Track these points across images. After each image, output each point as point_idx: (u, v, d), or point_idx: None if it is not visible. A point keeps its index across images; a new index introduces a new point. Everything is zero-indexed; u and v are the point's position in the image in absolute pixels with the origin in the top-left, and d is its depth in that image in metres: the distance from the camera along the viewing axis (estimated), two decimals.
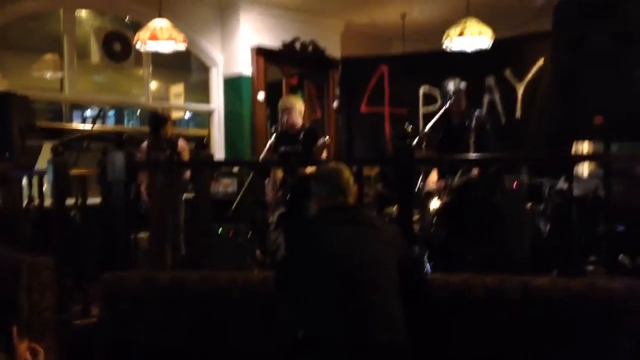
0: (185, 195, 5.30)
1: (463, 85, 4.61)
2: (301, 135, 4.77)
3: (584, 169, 5.68)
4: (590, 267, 3.93)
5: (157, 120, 5.39)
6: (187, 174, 5.15)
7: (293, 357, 2.20)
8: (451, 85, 4.55)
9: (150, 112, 5.71)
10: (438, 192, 4.58)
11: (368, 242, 2.30)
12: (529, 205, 5.12)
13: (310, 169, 4.44)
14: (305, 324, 2.20)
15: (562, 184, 4.96)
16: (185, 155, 5.29)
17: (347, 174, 2.49)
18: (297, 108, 4.83)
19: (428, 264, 4.56)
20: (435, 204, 4.63)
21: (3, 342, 1.45)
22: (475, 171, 4.22)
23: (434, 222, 4.63)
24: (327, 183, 2.46)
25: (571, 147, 5.36)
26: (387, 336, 2.15)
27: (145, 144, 5.44)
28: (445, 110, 4.60)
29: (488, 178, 4.19)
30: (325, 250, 2.27)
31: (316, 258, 2.27)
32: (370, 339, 2.12)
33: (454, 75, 4.74)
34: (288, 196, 4.67)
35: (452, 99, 4.53)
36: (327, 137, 4.48)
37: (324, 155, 4.77)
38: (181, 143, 5.40)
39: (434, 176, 5.71)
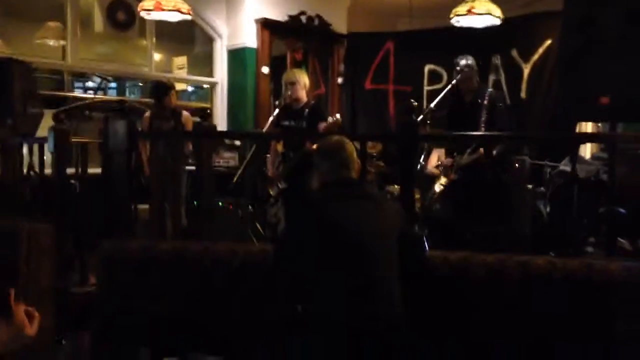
0: (186, 168, 5.28)
1: (474, 62, 4.55)
2: (306, 112, 4.72)
3: (585, 151, 5.67)
4: (590, 249, 3.93)
5: (161, 88, 5.32)
6: (189, 146, 5.11)
7: (290, 331, 2.20)
8: (463, 62, 4.50)
9: (155, 81, 5.62)
10: (445, 170, 4.56)
11: (369, 217, 2.30)
12: (530, 186, 5.12)
13: (316, 145, 4.41)
14: (305, 298, 2.20)
15: (564, 166, 4.94)
16: (189, 127, 5.24)
17: (350, 148, 2.47)
18: (302, 82, 4.78)
19: (426, 243, 4.57)
20: (441, 181, 4.62)
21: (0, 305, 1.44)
22: (482, 150, 4.19)
23: (437, 198, 4.62)
24: (330, 157, 2.44)
25: (575, 129, 5.34)
26: (386, 311, 2.16)
27: (148, 113, 5.39)
28: (456, 87, 4.55)
29: (498, 157, 4.19)
30: (326, 225, 2.26)
31: (317, 232, 2.26)
32: (369, 313, 2.13)
33: (461, 53, 4.69)
34: (289, 171, 4.65)
35: (462, 75, 4.48)
36: (338, 115, 4.39)
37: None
38: (185, 114, 5.35)
39: (434, 158, 5.70)
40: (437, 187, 4.66)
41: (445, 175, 4.59)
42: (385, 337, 2.13)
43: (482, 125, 4.29)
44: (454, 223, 4.32)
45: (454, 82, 4.60)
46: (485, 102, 4.37)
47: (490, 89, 4.57)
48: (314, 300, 2.18)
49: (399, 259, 2.26)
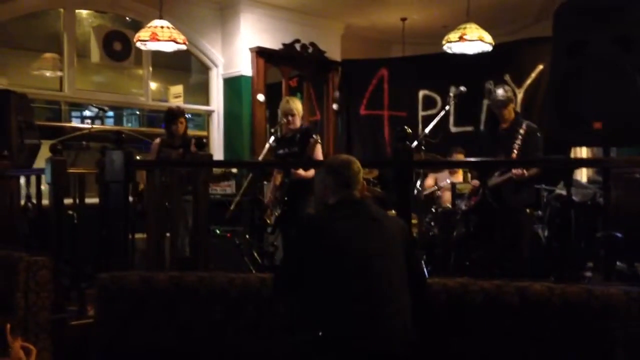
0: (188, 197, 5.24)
1: (510, 91, 4.60)
2: (297, 137, 4.76)
3: (582, 175, 5.70)
4: (588, 274, 3.93)
5: (171, 115, 5.29)
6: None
7: (311, 357, 2.18)
8: (500, 92, 4.51)
9: (168, 108, 5.60)
10: (472, 192, 4.55)
11: (377, 236, 2.29)
12: (528, 210, 5.13)
13: (303, 172, 4.43)
14: (321, 322, 2.18)
15: (560, 190, 4.97)
16: None
17: (357, 166, 2.47)
18: (300, 112, 4.84)
19: (425, 268, 4.57)
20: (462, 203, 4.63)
21: None
22: (516, 171, 4.17)
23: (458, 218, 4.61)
24: (337, 174, 2.43)
25: (569, 153, 5.37)
26: (401, 329, 2.17)
27: (158, 140, 5.37)
28: (492, 115, 4.58)
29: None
30: (335, 246, 2.25)
31: (326, 254, 2.24)
32: (386, 332, 2.14)
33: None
34: (284, 197, 4.66)
35: (501, 104, 4.50)
36: (316, 135, 4.49)
37: (319, 153, 4.73)
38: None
39: (430, 180, 5.72)
40: (463, 205, 4.65)
41: (472, 195, 4.57)
42: (401, 354, 2.14)
43: (515, 151, 4.28)
44: (471, 245, 4.30)
45: (447, 107, 4.63)
46: (522, 131, 4.36)
47: (527, 121, 4.58)
48: (330, 323, 2.16)
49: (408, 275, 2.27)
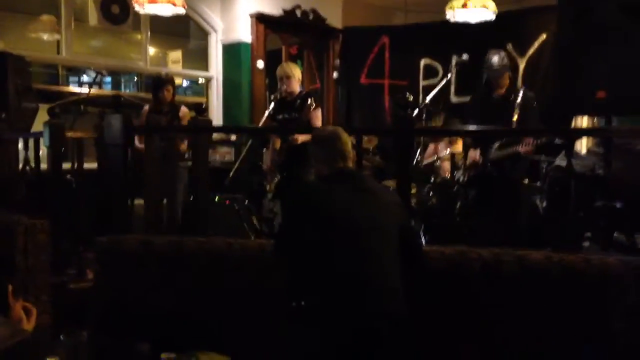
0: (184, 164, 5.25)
1: (507, 57, 4.48)
2: (297, 102, 4.74)
3: (582, 145, 5.68)
4: (586, 244, 3.95)
5: (158, 82, 5.29)
6: (185, 143, 5.07)
7: (292, 324, 2.19)
8: (496, 59, 4.38)
9: (154, 75, 5.59)
10: (471, 165, 4.46)
11: (370, 209, 2.28)
12: (526, 181, 5.13)
13: (302, 137, 4.41)
14: (306, 292, 2.19)
15: (560, 161, 4.95)
16: (186, 122, 5.22)
17: (345, 137, 2.45)
18: (296, 76, 4.79)
19: (424, 238, 4.58)
20: (460, 172, 4.55)
21: None
22: (525, 148, 4.11)
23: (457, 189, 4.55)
24: (326, 146, 2.42)
25: (570, 123, 5.35)
26: (388, 304, 2.15)
27: (146, 107, 5.36)
28: (486, 83, 4.50)
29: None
30: (327, 217, 2.24)
31: (317, 225, 2.24)
32: (371, 307, 2.12)
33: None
34: (283, 162, 4.65)
35: (497, 73, 4.37)
36: (311, 99, 4.49)
37: (318, 118, 4.71)
38: (183, 109, 5.33)
39: (431, 149, 5.69)
40: (458, 175, 4.57)
41: (471, 167, 4.49)
42: (386, 331, 2.12)
43: (515, 124, 4.19)
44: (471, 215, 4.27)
45: (449, 75, 4.56)
46: (519, 100, 4.27)
47: (523, 87, 4.47)
48: (315, 294, 2.17)
49: (400, 252, 2.26)
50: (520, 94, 4.31)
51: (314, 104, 4.59)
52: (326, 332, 2.10)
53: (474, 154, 4.41)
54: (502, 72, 4.40)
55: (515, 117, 4.23)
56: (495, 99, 4.44)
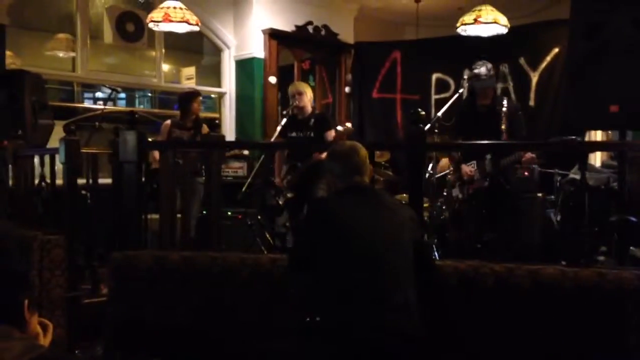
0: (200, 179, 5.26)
1: (492, 69, 4.45)
2: (312, 122, 4.76)
3: (595, 159, 5.64)
4: (601, 258, 3.91)
5: (189, 95, 5.33)
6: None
7: (304, 340, 2.19)
8: (483, 71, 4.36)
9: (182, 90, 5.62)
10: (469, 180, 4.42)
11: (386, 225, 2.28)
12: (539, 194, 5.10)
13: (325, 153, 4.43)
14: (320, 307, 2.19)
15: (573, 174, 4.92)
16: None
17: (364, 152, 2.45)
18: (308, 94, 4.83)
19: (436, 252, 4.56)
20: (457, 191, 4.52)
21: (14, 316, 1.44)
22: (526, 156, 4.10)
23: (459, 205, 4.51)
24: (344, 161, 2.42)
25: (584, 137, 5.32)
26: (403, 322, 2.14)
27: (168, 122, 5.40)
28: (469, 95, 4.50)
29: (503, 169, 4.15)
30: (342, 232, 2.24)
31: (333, 240, 2.24)
32: (386, 324, 2.11)
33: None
34: (297, 181, 4.67)
35: (485, 84, 4.35)
36: (349, 124, 4.50)
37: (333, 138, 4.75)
38: (205, 127, 5.36)
39: (444, 162, 5.67)
40: (455, 193, 4.54)
41: (470, 183, 4.46)
42: (401, 348, 2.11)
43: (504, 133, 4.20)
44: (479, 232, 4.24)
45: (461, 90, 4.58)
46: (505, 109, 4.29)
47: (505, 97, 4.48)
48: (330, 309, 2.16)
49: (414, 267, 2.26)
50: (505, 103, 4.33)
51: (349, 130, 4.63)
52: (341, 347, 2.09)
53: (467, 169, 4.40)
54: (490, 83, 4.41)
55: (503, 126, 4.23)
56: (482, 109, 4.44)
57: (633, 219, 3.21)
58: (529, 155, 4.11)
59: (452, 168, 5.23)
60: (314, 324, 2.16)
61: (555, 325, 2.30)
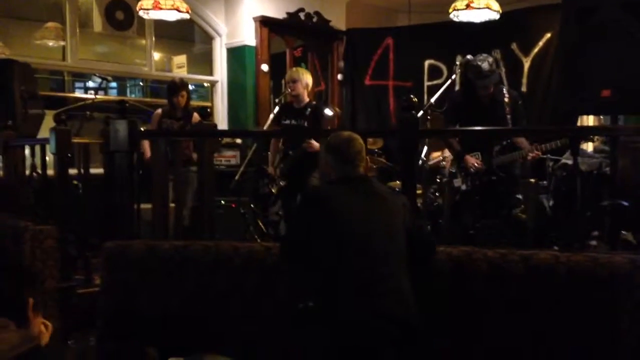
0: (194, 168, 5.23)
1: (494, 60, 4.43)
2: (308, 111, 4.73)
3: (587, 144, 5.66)
4: (594, 242, 3.93)
5: (173, 87, 5.28)
6: (190, 146, 5.06)
7: (298, 327, 2.19)
8: (486, 65, 4.26)
9: (169, 80, 5.57)
10: (478, 170, 4.38)
11: (379, 214, 2.29)
12: (532, 180, 5.10)
13: (316, 142, 4.42)
14: (314, 294, 2.19)
15: (566, 159, 4.93)
16: None
17: (360, 142, 2.45)
18: (304, 81, 4.79)
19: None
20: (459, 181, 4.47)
21: (13, 310, 1.44)
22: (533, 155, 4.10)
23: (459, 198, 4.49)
24: (339, 151, 2.41)
25: (576, 122, 5.32)
26: (396, 308, 2.15)
27: (159, 111, 5.37)
28: (469, 85, 4.47)
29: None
30: (335, 220, 2.25)
31: (325, 227, 2.25)
32: (380, 309, 2.12)
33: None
34: (289, 168, 4.66)
35: (489, 80, 4.29)
36: (337, 108, 4.45)
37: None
38: (196, 115, 5.33)
39: (438, 152, 5.67)
40: (457, 183, 4.48)
41: (475, 175, 4.39)
42: (394, 334, 2.11)
43: (509, 123, 4.17)
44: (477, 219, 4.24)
45: (453, 76, 4.55)
46: (507, 99, 4.26)
47: (506, 86, 4.43)
48: (322, 296, 2.17)
49: (409, 254, 2.26)
50: (506, 93, 4.31)
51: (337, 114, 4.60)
52: (334, 332, 2.10)
53: (473, 160, 4.37)
54: (494, 79, 4.36)
55: (509, 116, 4.22)
56: (484, 100, 4.40)
57: (624, 203, 3.23)
58: (536, 153, 4.10)
59: (446, 157, 5.22)
60: (307, 310, 2.16)
61: (548, 310, 2.31)
